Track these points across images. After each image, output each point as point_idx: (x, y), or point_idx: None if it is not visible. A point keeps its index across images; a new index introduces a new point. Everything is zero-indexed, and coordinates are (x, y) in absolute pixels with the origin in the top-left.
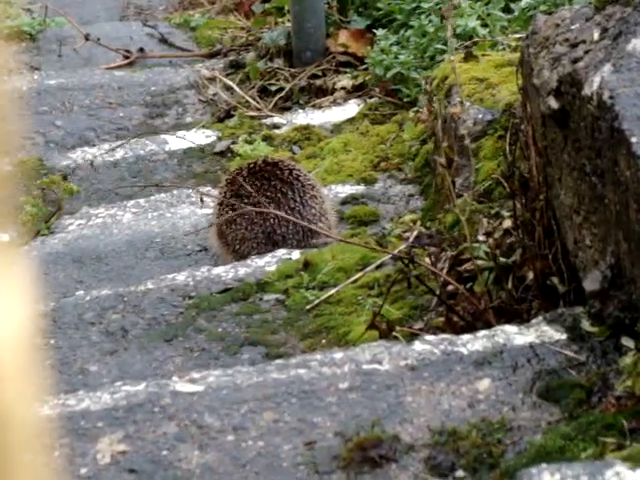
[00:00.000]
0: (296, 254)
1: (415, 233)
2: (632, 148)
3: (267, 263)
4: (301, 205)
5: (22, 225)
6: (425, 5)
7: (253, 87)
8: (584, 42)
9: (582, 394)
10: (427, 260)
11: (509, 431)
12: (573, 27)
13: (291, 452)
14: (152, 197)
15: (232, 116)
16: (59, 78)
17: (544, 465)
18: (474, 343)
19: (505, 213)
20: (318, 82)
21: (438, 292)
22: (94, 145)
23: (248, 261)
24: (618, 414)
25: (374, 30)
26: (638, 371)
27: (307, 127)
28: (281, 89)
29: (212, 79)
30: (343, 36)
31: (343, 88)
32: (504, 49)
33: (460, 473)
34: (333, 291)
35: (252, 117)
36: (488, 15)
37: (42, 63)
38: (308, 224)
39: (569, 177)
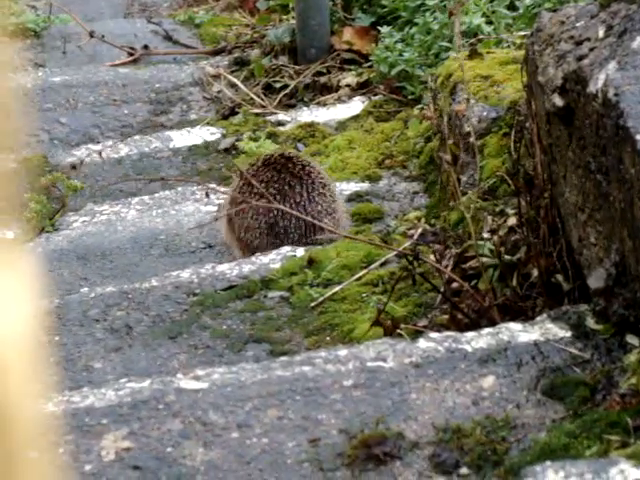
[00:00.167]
0: (300, 251)
1: (420, 230)
2: (637, 146)
3: (271, 260)
4: (307, 200)
5: (26, 222)
6: (430, 2)
7: (257, 84)
8: (589, 40)
9: (586, 392)
10: (432, 257)
11: (513, 429)
12: (578, 24)
13: (295, 449)
14: (156, 194)
15: (237, 113)
16: (63, 75)
17: (548, 463)
18: (478, 340)
19: (510, 211)
20: (323, 79)
21: (442, 289)
22: (98, 142)
23: (252, 258)
24: (623, 412)
25: (379, 27)
26: None
27: (312, 124)
28: (286, 86)
29: (217, 76)
30: (348, 33)
31: (348, 85)
32: (509, 46)
33: (464, 470)
34: (337, 288)
35: (257, 114)
36: (493, 12)
37: (46, 60)
38: (311, 220)
39: (574, 175)
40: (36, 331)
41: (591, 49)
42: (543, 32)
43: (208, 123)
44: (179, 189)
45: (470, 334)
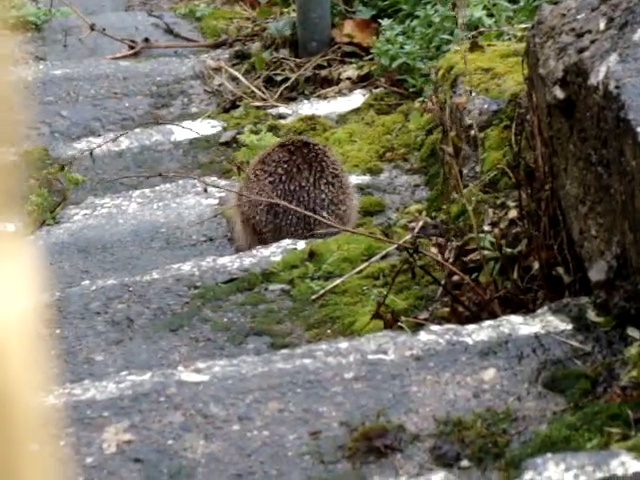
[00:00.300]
0: (301, 244)
1: (421, 223)
2: (638, 138)
3: (272, 253)
4: (312, 186)
5: (27, 215)
6: None
7: (259, 77)
8: (590, 32)
9: (587, 384)
10: (432, 250)
11: (514, 421)
12: (579, 17)
13: (296, 442)
14: (157, 187)
15: (237, 106)
16: (64, 68)
17: (549, 455)
18: (479, 333)
19: (511, 203)
20: (323, 72)
21: (443, 282)
22: (99, 135)
23: (253, 251)
24: (623, 404)
25: (379, 20)
26: None
27: (312, 117)
28: (286, 79)
29: (217, 69)
30: (348, 26)
31: (348, 78)
32: (510, 39)
33: (465, 463)
34: (338, 281)
35: (258, 107)
36: (494, 5)
37: (47, 53)
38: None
39: (575, 167)
40: (37, 324)
41: (592, 41)
42: (544, 24)
43: (209, 116)
44: (180, 182)
45: (471, 327)
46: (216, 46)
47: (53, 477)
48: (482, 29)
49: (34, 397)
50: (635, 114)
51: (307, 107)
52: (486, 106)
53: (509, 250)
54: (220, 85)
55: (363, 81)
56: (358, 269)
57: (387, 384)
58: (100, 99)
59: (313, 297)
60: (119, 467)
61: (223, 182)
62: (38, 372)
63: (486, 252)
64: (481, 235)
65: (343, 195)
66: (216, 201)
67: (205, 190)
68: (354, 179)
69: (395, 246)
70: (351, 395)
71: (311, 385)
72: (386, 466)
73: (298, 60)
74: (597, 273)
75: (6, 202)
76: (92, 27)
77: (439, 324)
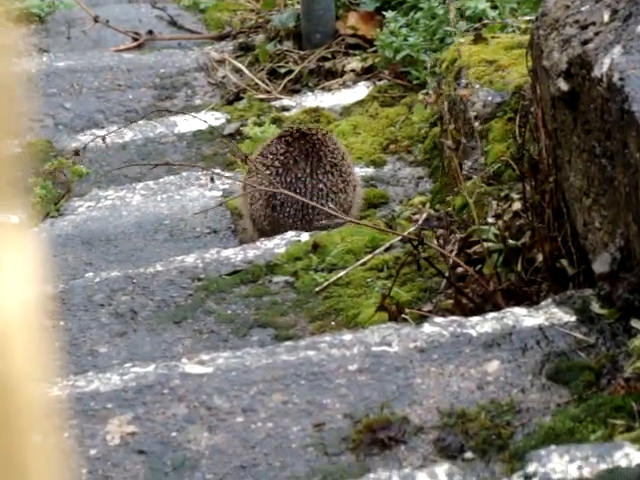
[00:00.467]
0: (305, 236)
1: (424, 215)
2: None
3: (276, 245)
4: (309, 177)
5: (31, 207)
6: None
7: (262, 69)
8: (594, 24)
9: (591, 376)
10: (436, 242)
11: (518, 413)
12: (583, 9)
13: (300, 433)
14: (161, 179)
15: (241, 98)
16: (68, 60)
17: (553, 447)
18: (483, 325)
19: (514, 195)
20: (327, 64)
21: (447, 274)
22: (103, 127)
23: (257, 243)
24: (627, 396)
25: (383, 12)
26: None
27: (316, 109)
28: (290, 71)
29: (221, 61)
30: (352, 18)
31: (352, 70)
32: (514, 31)
33: (469, 455)
34: (342, 273)
35: (261, 99)
36: None
37: (51, 45)
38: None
39: (579, 159)
40: (41, 316)
41: (596, 33)
42: (548, 16)
43: (213, 108)
44: (184, 174)
45: (475, 319)
46: (220, 38)
47: (57, 469)
48: (486, 21)
49: (38, 389)
50: (639, 106)
51: (311, 99)
52: (490, 98)
53: (513, 242)
54: (224, 77)
55: (367, 73)
56: (362, 261)
57: (391, 376)
58: (104, 91)
59: (317, 289)
60: (123, 459)
61: (227, 174)
62: (42, 364)
63: (490, 244)
64: (485, 227)
65: (343, 183)
66: (220, 193)
67: (212, 180)
68: (358, 171)
69: (399, 238)
70: (355, 387)
71: (315, 377)
72: (390, 458)
73: (302, 52)
74: (601, 265)
75: (10, 194)
76: (95, 19)
77: (443, 316)
